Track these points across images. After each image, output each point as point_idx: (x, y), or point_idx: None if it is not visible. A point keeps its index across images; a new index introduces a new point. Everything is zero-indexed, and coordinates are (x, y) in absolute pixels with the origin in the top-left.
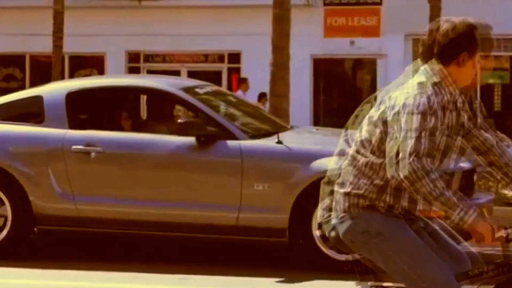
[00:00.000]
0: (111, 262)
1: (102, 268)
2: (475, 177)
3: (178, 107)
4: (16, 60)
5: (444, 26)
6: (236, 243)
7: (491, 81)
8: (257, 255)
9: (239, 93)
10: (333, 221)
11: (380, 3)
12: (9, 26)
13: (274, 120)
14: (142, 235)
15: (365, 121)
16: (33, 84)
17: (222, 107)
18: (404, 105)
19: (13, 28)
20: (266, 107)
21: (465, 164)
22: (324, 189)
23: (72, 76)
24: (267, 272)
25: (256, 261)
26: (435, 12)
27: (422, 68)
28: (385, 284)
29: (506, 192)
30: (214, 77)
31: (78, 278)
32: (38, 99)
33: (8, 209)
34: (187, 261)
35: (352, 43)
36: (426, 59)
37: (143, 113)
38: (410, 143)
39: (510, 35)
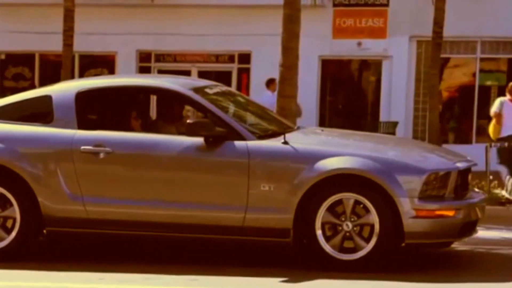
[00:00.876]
0: (120, 264)
1: (112, 270)
2: (469, 177)
3: (187, 107)
4: (25, 58)
5: None
6: (241, 243)
7: (488, 83)
8: (261, 255)
9: (268, 93)
10: None
11: (386, 5)
12: (18, 24)
13: (281, 120)
14: (150, 236)
15: None
16: (43, 84)
17: (231, 107)
18: None
19: (23, 26)
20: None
21: (460, 164)
22: None
23: (82, 75)
24: (271, 272)
25: (259, 261)
26: (439, 15)
27: None
28: None
29: (497, 191)
30: (224, 77)
31: (87, 280)
32: (47, 99)
33: (16, 211)
34: (195, 262)
35: (359, 44)
36: None
37: (153, 113)
38: None
39: (508, 38)
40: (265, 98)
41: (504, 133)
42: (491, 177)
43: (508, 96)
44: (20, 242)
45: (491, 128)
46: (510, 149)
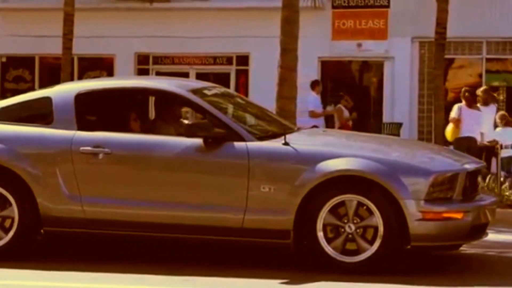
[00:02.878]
0: (116, 264)
1: (108, 270)
2: (479, 179)
3: (186, 108)
4: (25, 61)
5: None
6: (241, 244)
7: (495, 83)
8: (261, 256)
9: (313, 96)
10: None
11: (387, 6)
12: (19, 28)
13: (281, 121)
14: (147, 237)
15: None
16: (42, 86)
17: (230, 108)
18: None
19: (23, 30)
20: (346, 111)
21: (469, 166)
22: None
23: (81, 78)
24: (271, 273)
25: (260, 263)
26: (442, 15)
27: None
28: None
29: (509, 193)
30: (222, 79)
31: (83, 280)
32: (47, 100)
33: (15, 210)
34: (192, 262)
35: (359, 45)
36: None
37: (151, 115)
38: None
39: None
40: (310, 100)
41: (464, 135)
42: (502, 179)
43: (463, 102)
44: (18, 242)
45: (448, 132)
46: (468, 146)
